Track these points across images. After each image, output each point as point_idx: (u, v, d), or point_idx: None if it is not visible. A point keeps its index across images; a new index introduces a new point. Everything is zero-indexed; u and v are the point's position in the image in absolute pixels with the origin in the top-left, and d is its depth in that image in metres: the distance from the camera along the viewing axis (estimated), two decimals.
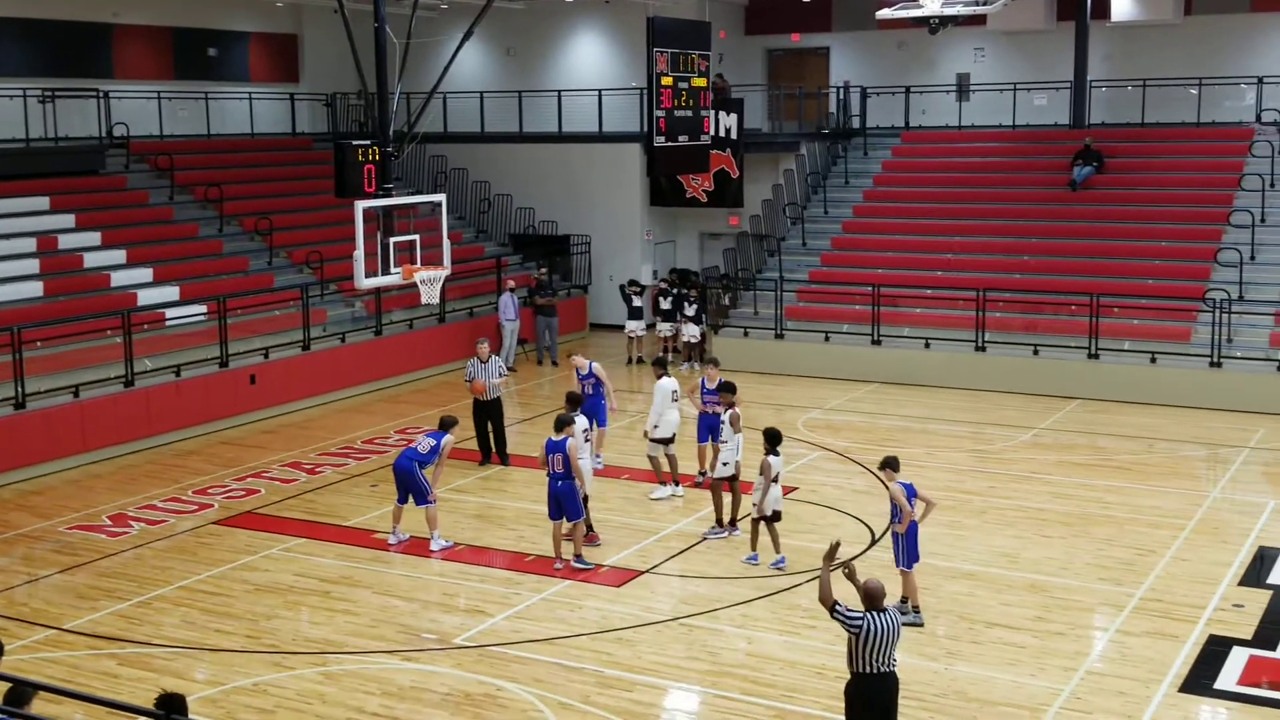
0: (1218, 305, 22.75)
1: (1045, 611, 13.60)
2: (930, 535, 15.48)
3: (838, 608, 9.58)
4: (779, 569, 14.80)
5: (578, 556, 14.95)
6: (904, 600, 13.20)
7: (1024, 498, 17.59)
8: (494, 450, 19.54)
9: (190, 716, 8.00)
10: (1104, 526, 16.33)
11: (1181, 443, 20.48)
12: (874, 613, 9.53)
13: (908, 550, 13.25)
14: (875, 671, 9.50)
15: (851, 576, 10.19)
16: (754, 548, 15.08)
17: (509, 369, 26.68)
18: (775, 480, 14.79)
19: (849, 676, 9.67)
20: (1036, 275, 25.81)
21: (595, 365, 18.79)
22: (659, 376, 18.08)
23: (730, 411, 16.02)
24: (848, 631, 9.53)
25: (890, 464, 13.42)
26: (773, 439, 14.89)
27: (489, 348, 19.74)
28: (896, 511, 13.20)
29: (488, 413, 19.53)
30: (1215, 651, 12.56)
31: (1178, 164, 27.98)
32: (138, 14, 29.32)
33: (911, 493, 13.26)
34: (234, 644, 13.05)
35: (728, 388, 16.49)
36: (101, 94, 27.18)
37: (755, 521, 15.04)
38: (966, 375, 24.32)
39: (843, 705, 11.46)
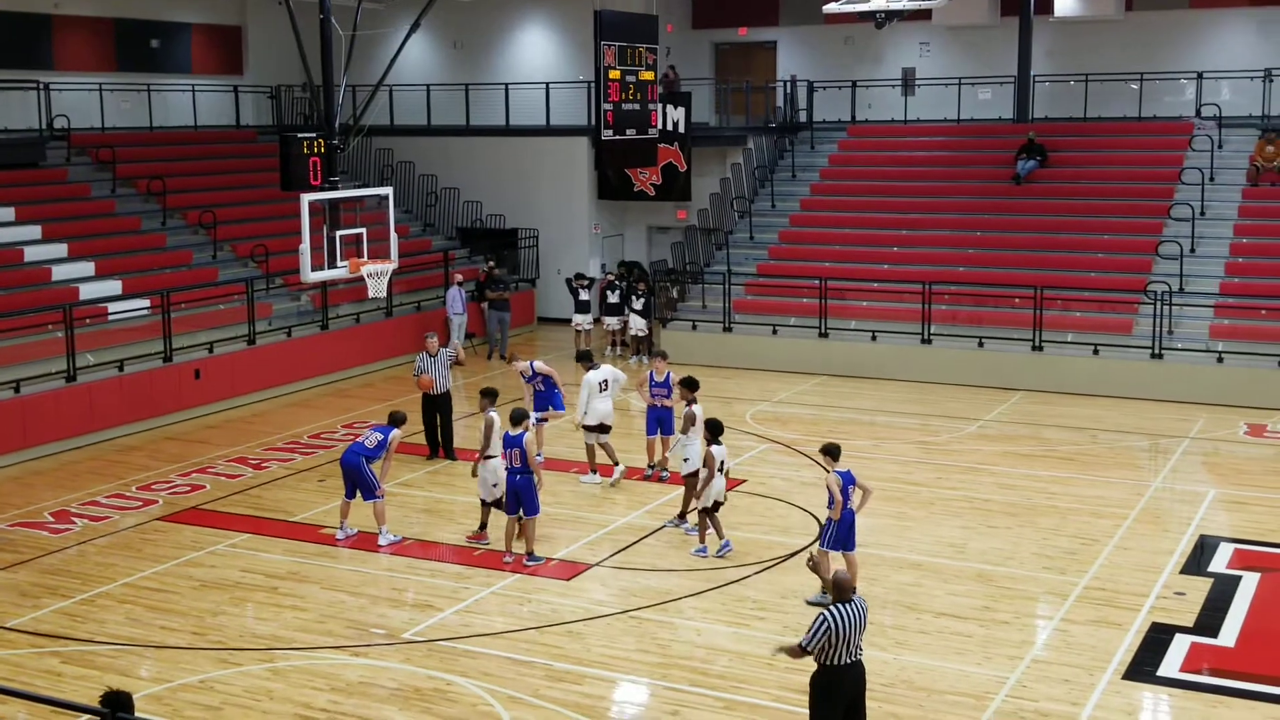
0: (1158, 297, 23.02)
1: (991, 601, 13.73)
2: (878, 526, 15.62)
3: (804, 644, 9.44)
4: (714, 555, 14.89)
5: (530, 554, 14.91)
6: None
7: (970, 489, 17.74)
8: (441, 445, 19.47)
9: (136, 714, 7.94)
10: (1048, 516, 16.50)
11: (1124, 433, 20.73)
12: (839, 605, 9.45)
13: (836, 534, 13.51)
14: (842, 663, 9.44)
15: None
16: (702, 540, 15.13)
17: (457, 363, 26.61)
18: (721, 471, 14.86)
19: (815, 668, 9.60)
20: (981, 268, 26.02)
21: (537, 363, 18.77)
22: (587, 369, 18.23)
23: (686, 410, 16.07)
24: (821, 644, 9.38)
25: (830, 451, 13.62)
26: (714, 430, 14.95)
27: (438, 341, 19.65)
28: (830, 499, 13.43)
29: (436, 407, 19.44)
30: (1158, 639, 12.72)
31: (1119, 158, 28.29)
32: (78, 5, 28.97)
33: (849, 480, 13.46)
34: (180, 641, 12.95)
35: (688, 384, 16.50)
36: (41, 86, 26.85)
37: (701, 513, 15.10)
38: (912, 368, 24.49)
39: (790, 695, 11.54)
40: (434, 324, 26.74)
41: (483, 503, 15.58)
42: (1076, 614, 13.39)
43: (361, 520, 15.90)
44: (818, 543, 13.79)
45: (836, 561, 13.36)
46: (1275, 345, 22.26)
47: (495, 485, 15.30)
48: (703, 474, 14.99)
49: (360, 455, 15.56)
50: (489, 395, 15.87)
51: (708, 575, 14.50)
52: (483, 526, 15.63)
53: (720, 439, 14.94)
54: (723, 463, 14.89)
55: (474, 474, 15.72)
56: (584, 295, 27.46)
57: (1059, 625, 13.15)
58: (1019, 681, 11.85)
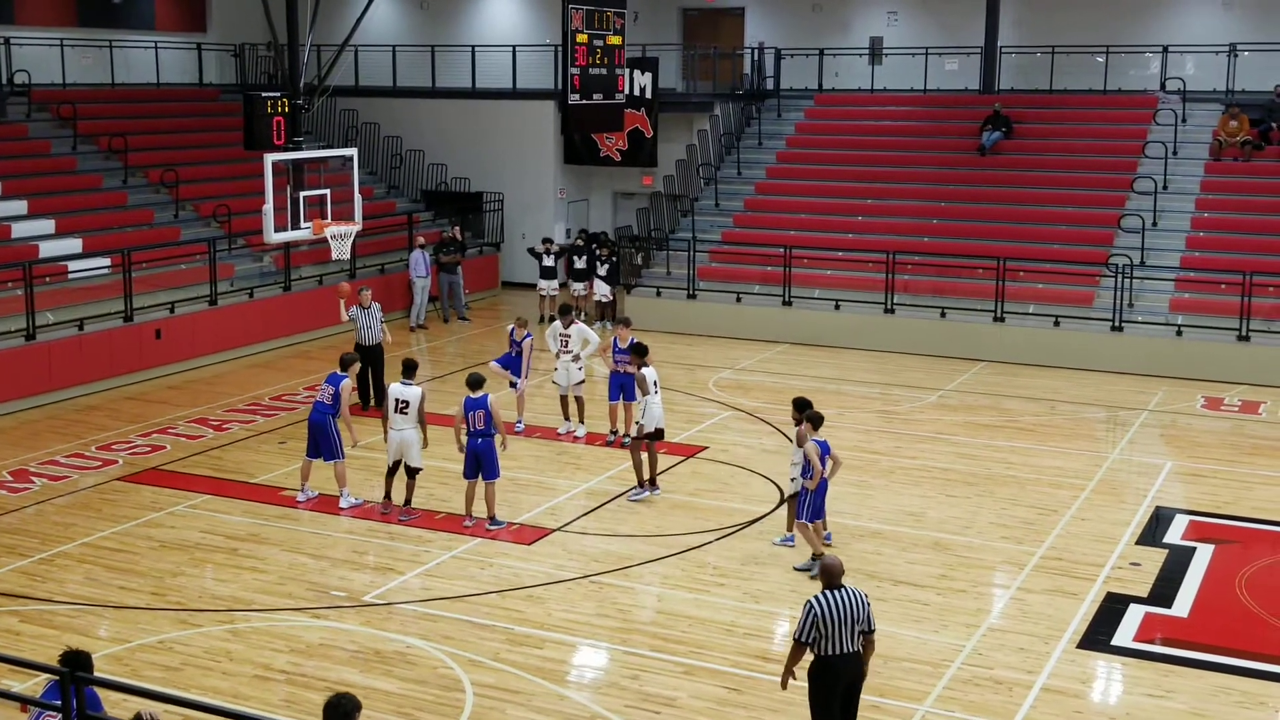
0: (1120, 270, 23.18)
1: (949, 569, 13.85)
2: (838, 494, 15.71)
3: (796, 636, 9.28)
4: (774, 543, 14.54)
5: (492, 518, 14.92)
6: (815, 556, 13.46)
7: (930, 458, 17.85)
8: (373, 396, 19.46)
9: (95, 674, 7.93)
10: (1007, 486, 16.64)
11: (1083, 405, 20.89)
12: (827, 591, 9.29)
13: (813, 505, 13.52)
14: (835, 652, 9.22)
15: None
16: (790, 529, 14.55)
17: (420, 325, 26.59)
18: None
19: (812, 658, 9.40)
20: (945, 239, 26.10)
21: (529, 339, 18.62)
22: (571, 324, 18.56)
23: (638, 374, 16.03)
24: (813, 633, 9.19)
25: (813, 420, 13.64)
26: (802, 408, 14.19)
27: (371, 294, 19.80)
28: (808, 468, 13.41)
29: (369, 358, 19.33)
30: (1113, 609, 12.88)
31: (1084, 130, 28.37)
32: None
33: (826, 450, 13.55)
34: (139, 601, 12.91)
35: (637, 349, 16.50)
36: (2, 40, 26.48)
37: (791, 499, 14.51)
38: (875, 337, 24.58)
39: (749, 660, 11.64)
40: (398, 286, 26.77)
41: (389, 472, 15.54)
42: (1033, 583, 13.53)
43: (322, 483, 15.87)
44: (799, 519, 13.68)
45: (812, 532, 13.51)
46: (1234, 319, 22.44)
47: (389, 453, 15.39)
48: (794, 455, 14.08)
49: (325, 413, 15.48)
50: (409, 368, 15.59)
51: (668, 541, 14.56)
52: (387, 496, 15.55)
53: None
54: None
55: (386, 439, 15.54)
56: (548, 261, 27.37)
57: (1015, 594, 13.28)
58: (975, 649, 11.98)
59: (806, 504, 13.55)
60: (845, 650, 9.27)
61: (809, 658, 9.44)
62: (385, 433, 15.40)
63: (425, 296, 26.81)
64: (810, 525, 13.57)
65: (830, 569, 9.45)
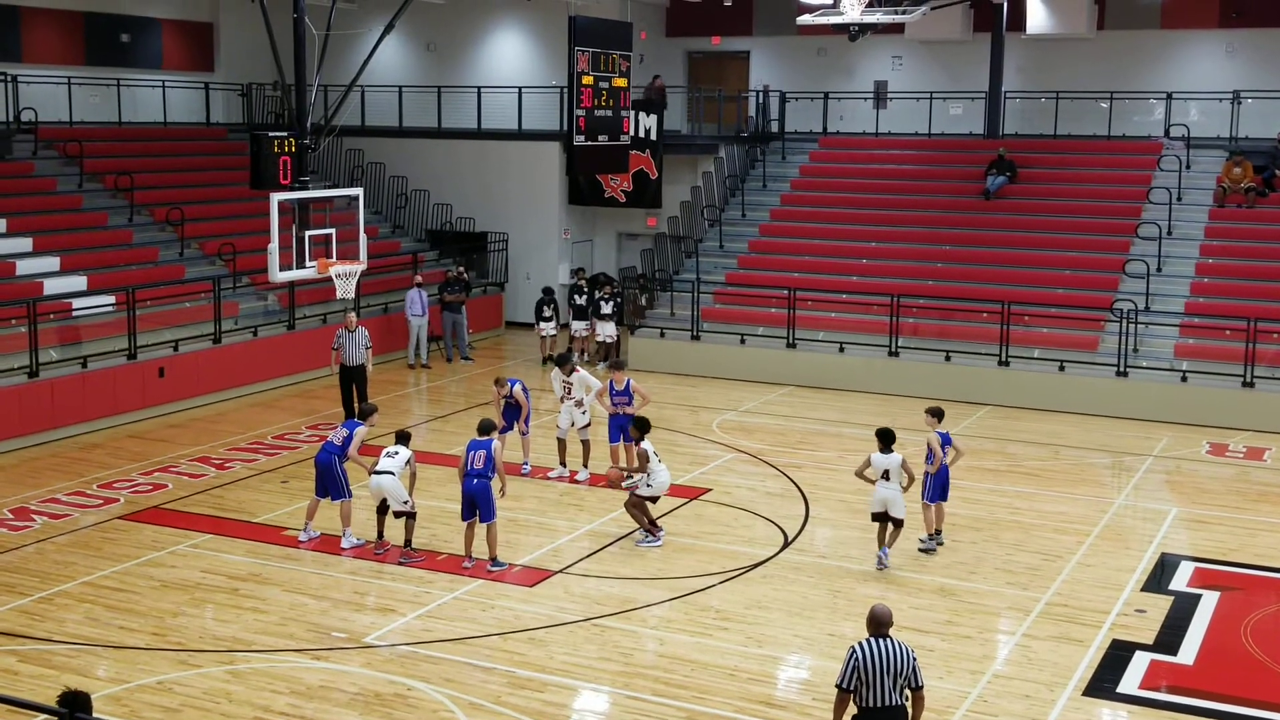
0: (1125, 315, 23.16)
1: (954, 615, 13.77)
2: (842, 539, 15.71)
3: (837, 683, 9.07)
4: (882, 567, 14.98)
5: (494, 559, 14.85)
6: (937, 531, 15.67)
7: None
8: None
9: (94, 715, 7.87)
10: (1011, 532, 16.56)
11: (1088, 450, 20.83)
12: (870, 639, 9.09)
13: (934, 487, 15.51)
14: (874, 705, 8.95)
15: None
16: (880, 544, 15.05)
17: (424, 365, 26.56)
18: (886, 478, 14.88)
19: (855, 711, 9.16)
20: (949, 282, 26.12)
21: (516, 388, 18.47)
22: (572, 371, 18.46)
23: (639, 449, 15.71)
24: (854, 679, 9.00)
25: (935, 412, 15.95)
26: (885, 438, 15.07)
27: (356, 318, 21.28)
28: (930, 455, 15.44)
29: (352, 378, 21.18)
30: (1118, 656, 12.79)
31: (1088, 176, 28.46)
32: None
33: (947, 440, 15.59)
34: (139, 641, 12.84)
35: (639, 424, 16.09)
36: (9, 78, 26.61)
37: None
38: (879, 380, 24.55)
39: (751, 706, 11.56)
40: (398, 325, 26.77)
41: (378, 510, 15.53)
42: (1038, 629, 13.45)
43: (325, 523, 15.81)
44: (923, 500, 15.57)
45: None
46: (1238, 366, 22.40)
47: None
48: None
49: (332, 454, 15.48)
50: (402, 438, 15.62)
51: (671, 585, 14.49)
52: (380, 535, 15.52)
53: (892, 447, 15.02)
54: (886, 472, 14.92)
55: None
56: (548, 312, 27.22)
57: (1020, 641, 13.20)
58: (980, 696, 11.89)
59: (929, 486, 15.47)
60: (887, 703, 8.99)
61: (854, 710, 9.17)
62: (368, 472, 15.37)
63: (423, 335, 26.76)
64: (933, 506, 15.51)
65: (877, 617, 9.24)
